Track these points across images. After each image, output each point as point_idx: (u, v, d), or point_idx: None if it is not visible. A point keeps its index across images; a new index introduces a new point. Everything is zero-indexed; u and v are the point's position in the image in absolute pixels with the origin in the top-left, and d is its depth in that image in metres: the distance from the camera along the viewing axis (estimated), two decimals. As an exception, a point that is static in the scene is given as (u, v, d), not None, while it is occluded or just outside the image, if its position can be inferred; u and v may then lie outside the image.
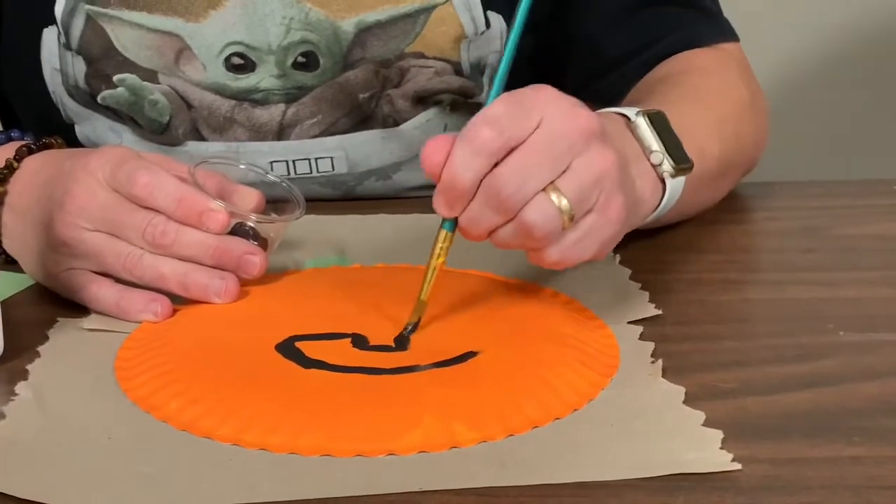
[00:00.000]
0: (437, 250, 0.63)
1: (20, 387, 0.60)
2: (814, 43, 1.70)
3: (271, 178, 0.74)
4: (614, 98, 0.82)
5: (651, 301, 0.70)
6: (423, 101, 0.89)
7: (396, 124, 0.90)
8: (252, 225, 0.69)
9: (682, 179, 0.69)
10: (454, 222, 0.62)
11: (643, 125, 0.68)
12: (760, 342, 0.66)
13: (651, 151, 0.68)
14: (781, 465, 0.52)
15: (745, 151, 0.84)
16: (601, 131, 0.60)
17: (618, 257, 0.76)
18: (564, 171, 0.59)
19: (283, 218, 0.71)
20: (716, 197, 0.83)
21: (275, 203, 0.73)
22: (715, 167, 0.77)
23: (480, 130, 0.59)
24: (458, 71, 0.89)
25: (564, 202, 0.59)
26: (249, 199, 0.70)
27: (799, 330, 0.67)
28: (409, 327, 0.63)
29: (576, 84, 0.91)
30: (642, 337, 0.65)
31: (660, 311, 0.68)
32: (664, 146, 0.68)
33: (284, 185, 0.73)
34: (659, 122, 0.69)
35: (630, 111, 0.69)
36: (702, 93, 0.81)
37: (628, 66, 0.87)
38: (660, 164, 0.68)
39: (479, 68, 0.89)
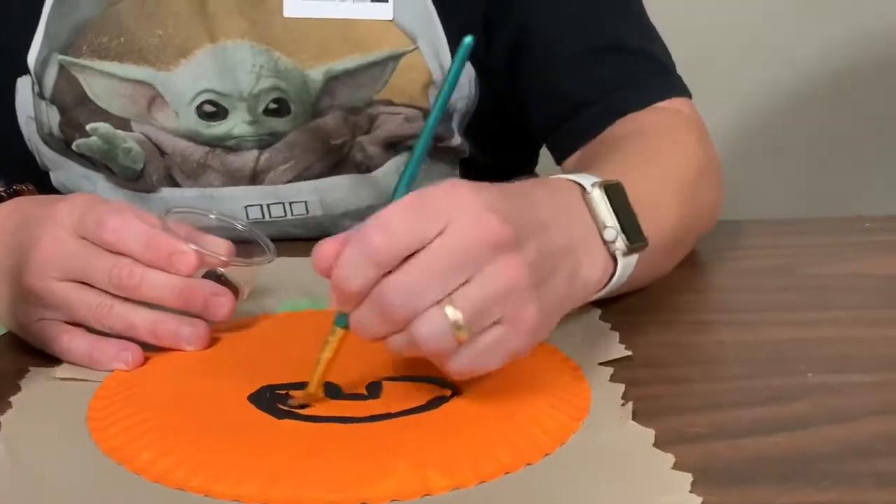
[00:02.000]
0: (328, 345, 0.60)
1: (-8, 439, 0.59)
2: (787, 74, 1.72)
3: (240, 226, 0.74)
4: (573, 144, 0.81)
5: (621, 342, 0.70)
6: (393, 146, 0.90)
7: (369, 170, 0.90)
8: (222, 270, 0.69)
9: (634, 257, 0.66)
10: (347, 318, 0.59)
11: (598, 199, 0.64)
12: (731, 385, 0.67)
13: (605, 227, 0.64)
14: (751, 511, 0.53)
15: (703, 216, 0.82)
16: (511, 239, 0.56)
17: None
18: (466, 283, 0.55)
19: (254, 261, 0.71)
20: (671, 266, 0.80)
21: (245, 251, 0.73)
22: (671, 236, 0.74)
23: (372, 237, 0.55)
24: (427, 117, 0.89)
25: (460, 317, 0.55)
26: (218, 248, 0.70)
27: (770, 372, 0.67)
28: (295, 406, 0.61)
29: (539, 130, 0.91)
30: (613, 379, 0.65)
31: (630, 353, 0.69)
32: (619, 222, 0.64)
33: (254, 232, 0.73)
34: (615, 196, 0.65)
35: (587, 180, 0.65)
36: (660, 157, 0.78)
37: (588, 114, 0.86)
38: (613, 241, 0.64)
39: (448, 114, 0.90)
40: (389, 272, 0.56)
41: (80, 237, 0.67)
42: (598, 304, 0.75)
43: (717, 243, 0.87)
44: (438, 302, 0.55)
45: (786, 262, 0.85)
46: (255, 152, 0.88)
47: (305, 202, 0.90)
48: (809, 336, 0.72)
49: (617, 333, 0.71)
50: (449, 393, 0.62)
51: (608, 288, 0.66)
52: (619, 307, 0.75)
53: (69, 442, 0.59)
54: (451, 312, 0.55)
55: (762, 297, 0.80)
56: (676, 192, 0.76)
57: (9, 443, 0.59)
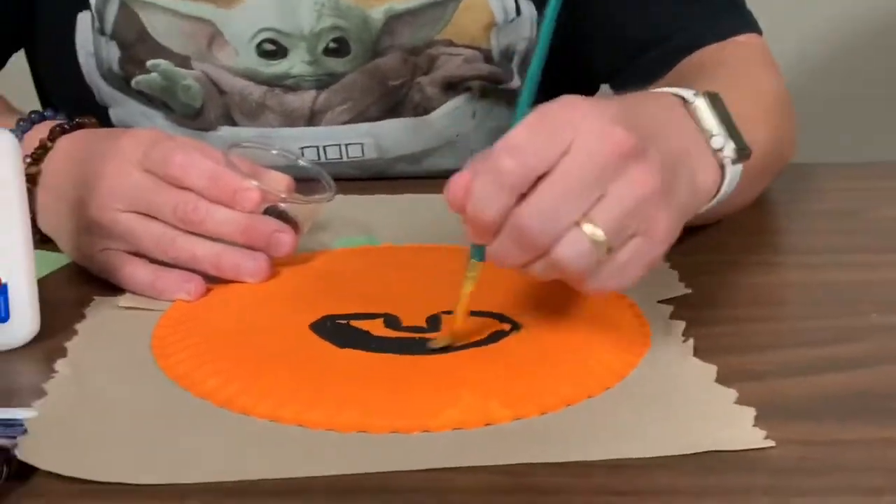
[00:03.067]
0: (468, 279, 0.60)
1: (60, 364, 0.60)
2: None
3: (302, 163, 0.75)
4: (642, 82, 0.80)
5: (681, 281, 0.70)
6: (452, 87, 0.90)
7: (426, 112, 0.90)
8: (284, 207, 0.70)
9: (739, 167, 0.65)
10: (483, 251, 0.58)
11: (703, 107, 0.63)
12: (794, 325, 0.66)
13: (712, 135, 0.63)
14: (814, 447, 0.52)
15: (785, 145, 0.81)
16: (639, 148, 0.55)
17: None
18: (600, 199, 0.54)
19: (315, 199, 0.72)
20: (756, 193, 0.80)
21: (306, 187, 0.73)
22: (762, 157, 0.71)
23: (502, 161, 0.54)
24: (487, 58, 0.89)
25: (600, 234, 0.54)
26: (280, 183, 0.71)
27: (833, 313, 0.67)
28: (438, 348, 0.60)
29: (602, 72, 0.90)
30: (672, 316, 0.65)
31: (690, 291, 0.68)
32: (725, 129, 0.63)
33: (315, 169, 0.74)
34: (717, 104, 0.64)
35: (686, 92, 0.64)
36: (741, 83, 0.77)
37: (656, 53, 0.86)
38: (721, 149, 0.63)
39: (508, 55, 0.90)
40: (523, 198, 0.54)
41: (145, 171, 0.68)
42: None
43: (780, 186, 0.87)
44: (576, 222, 0.54)
45: (851, 206, 0.85)
46: (312, 93, 0.88)
47: (361, 144, 0.90)
48: (873, 278, 0.72)
49: (676, 272, 0.71)
50: (508, 328, 0.62)
51: (717, 198, 0.65)
52: (677, 248, 0.74)
53: (135, 368, 0.60)
54: (591, 230, 0.54)
55: (826, 240, 0.79)
56: (763, 115, 0.75)
57: (76, 368, 0.60)
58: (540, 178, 0.54)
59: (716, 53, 0.84)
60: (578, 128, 0.54)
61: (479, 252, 0.59)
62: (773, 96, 0.80)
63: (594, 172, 0.54)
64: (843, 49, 1.71)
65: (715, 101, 0.64)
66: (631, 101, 0.61)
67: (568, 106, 0.55)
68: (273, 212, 0.69)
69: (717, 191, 0.64)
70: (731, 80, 0.77)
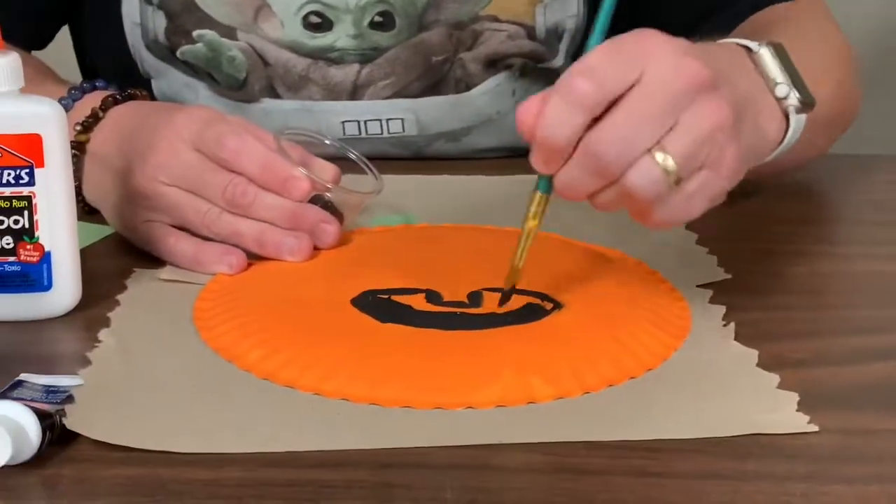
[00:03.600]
0: (531, 213, 0.59)
1: (103, 334, 0.61)
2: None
3: (352, 155, 0.75)
4: None
5: (720, 266, 0.70)
6: (494, 64, 0.90)
7: (468, 88, 0.90)
8: (331, 197, 0.70)
9: (803, 117, 0.65)
10: (549, 184, 0.58)
11: (768, 56, 0.64)
12: (832, 313, 0.66)
13: (776, 84, 0.63)
14: (853, 435, 0.53)
15: (849, 101, 0.81)
16: (712, 80, 0.56)
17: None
18: (671, 128, 0.55)
19: (362, 191, 0.72)
20: (824, 147, 0.79)
21: (354, 179, 0.73)
22: (827, 112, 0.72)
23: (577, 82, 0.54)
24: (531, 35, 0.89)
25: (671, 163, 0.55)
26: (328, 173, 0.71)
27: (871, 302, 0.67)
28: (504, 295, 0.61)
29: (673, 33, 0.90)
30: (711, 301, 0.65)
31: (729, 276, 0.68)
32: (789, 78, 0.64)
33: (365, 162, 0.74)
34: (781, 54, 0.65)
35: (751, 43, 0.65)
36: (807, 39, 0.77)
37: (727, 13, 0.85)
38: (785, 98, 0.64)
39: (556, 33, 0.89)
40: (595, 122, 0.55)
41: (196, 150, 0.68)
42: (694, 228, 0.75)
43: (818, 176, 0.86)
44: (648, 150, 0.55)
45: (888, 198, 0.84)
46: (356, 66, 0.88)
47: (402, 120, 0.90)
48: (910, 270, 0.72)
49: (715, 257, 0.71)
50: (550, 307, 0.63)
51: (781, 147, 0.65)
52: (716, 234, 0.74)
53: (178, 338, 0.61)
54: (662, 158, 0.55)
55: (867, 230, 0.79)
56: (828, 70, 0.76)
57: (119, 337, 0.61)
58: (612, 105, 0.54)
59: (783, 11, 0.84)
60: (652, 57, 0.55)
61: (545, 184, 0.59)
62: (839, 51, 0.80)
63: (667, 101, 0.55)
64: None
65: (780, 51, 0.65)
66: (700, 45, 0.61)
67: (641, 36, 0.56)
68: (319, 201, 0.70)
69: (782, 139, 0.65)
70: (799, 33, 0.77)
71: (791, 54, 0.66)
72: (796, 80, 0.65)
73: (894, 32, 1.69)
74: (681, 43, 0.57)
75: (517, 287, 0.62)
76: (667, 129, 0.55)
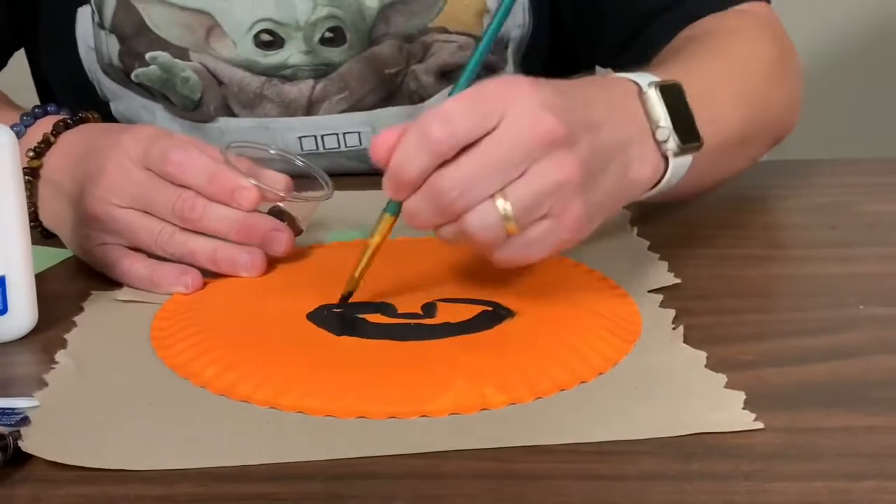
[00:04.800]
0: (377, 231, 0.63)
1: (60, 355, 0.61)
2: (831, 31, 1.70)
3: (299, 162, 0.75)
4: (643, 58, 0.79)
5: (670, 271, 0.71)
6: (446, 75, 0.91)
7: (422, 100, 0.91)
8: (281, 206, 0.71)
9: (687, 159, 0.66)
10: (397, 207, 0.61)
11: (653, 98, 0.65)
12: (781, 316, 0.67)
13: (657, 127, 0.64)
14: (797, 434, 0.53)
15: (775, 115, 0.81)
16: (565, 137, 0.58)
17: (635, 229, 0.77)
18: (518, 177, 0.57)
19: (312, 197, 0.73)
20: (740, 166, 0.80)
21: (303, 186, 0.74)
22: (737, 135, 0.74)
23: (431, 127, 0.57)
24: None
25: (510, 210, 0.57)
26: (278, 182, 0.72)
27: (820, 304, 0.68)
28: (342, 299, 0.64)
29: (607, 50, 0.90)
30: (662, 306, 0.66)
31: (679, 280, 0.69)
32: (672, 122, 0.65)
33: (312, 168, 0.75)
34: (672, 95, 0.65)
35: (644, 80, 0.66)
36: (729, 55, 0.78)
37: (657, 24, 0.85)
38: (665, 141, 0.64)
39: (502, 42, 0.90)
40: (445, 163, 0.57)
41: (145, 168, 0.69)
42: (646, 235, 0.76)
43: (769, 181, 0.87)
44: (491, 195, 0.57)
45: (839, 200, 0.85)
46: (310, 82, 0.89)
47: (359, 133, 0.91)
48: (859, 271, 0.73)
49: (666, 263, 0.72)
50: (502, 315, 0.63)
51: (659, 188, 0.67)
52: (667, 241, 0.75)
53: (135, 358, 0.61)
54: (502, 205, 0.57)
55: (814, 234, 0.80)
56: (741, 92, 0.76)
57: (76, 358, 0.61)
58: (465, 149, 0.57)
59: (714, 23, 0.84)
60: (510, 108, 0.57)
61: (393, 206, 0.62)
62: (764, 66, 0.80)
63: (516, 153, 0.57)
64: (842, 45, 1.71)
65: (669, 91, 0.65)
66: (576, 87, 0.63)
67: (505, 85, 0.58)
68: (271, 211, 0.70)
69: (660, 180, 0.66)
70: (714, 52, 0.78)
71: (698, 77, 0.67)
72: (681, 123, 0.65)
73: (837, 36, 1.71)
74: (545, 93, 0.59)
75: (464, 297, 0.63)
76: (512, 178, 0.57)
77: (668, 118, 0.65)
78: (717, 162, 0.72)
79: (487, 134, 0.57)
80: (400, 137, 0.58)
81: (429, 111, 0.58)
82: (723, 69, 0.76)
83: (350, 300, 0.65)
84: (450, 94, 0.60)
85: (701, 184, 0.74)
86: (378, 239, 0.63)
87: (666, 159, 0.65)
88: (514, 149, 0.57)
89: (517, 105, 0.57)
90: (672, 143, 0.65)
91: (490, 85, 0.58)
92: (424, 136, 0.57)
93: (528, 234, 0.59)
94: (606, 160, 0.61)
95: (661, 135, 0.65)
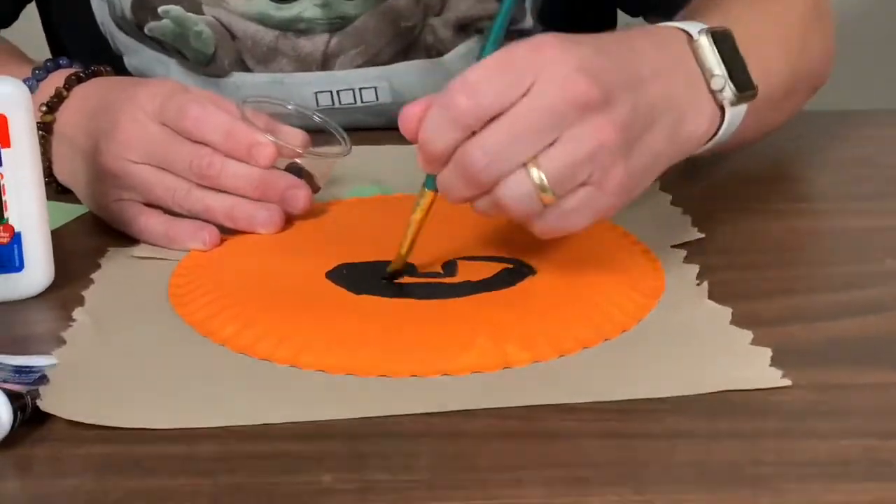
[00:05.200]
0: (418, 207, 0.61)
1: (77, 312, 0.61)
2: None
3: (317, 118, 0.75)
4: (671, 11, 0.77)
5: (694, 226, 0.70)
6: (464, 29, 0.89)
7: (440, 54, 0.90)
8: (299, 162, 0.70)
9: (742, 107, 0.64)
10: (435, 181, 0.59)
11: (706, 45, 0.62)
12: (807, 271, 0.67)
13: (712, 76, 0.62)
14: (825, 391, 0.53)
15: (813, 66, 0.79)
16: (599, 99, 0.55)
17: (658, 183, 0.76)
18: (552, 144, 0.55)
19: (331, 153, 0.72)
20: (781, 119, 0.78)
21: (321, 142, 0.73)
22: (782, 87, 0.72)
23: (457, 98, 0.55)
24: None
25: (544, 179, 0.55)
26: (295, 138, 0.71)
27: (846, 259, 0.67)
28: (390, 278, 0.62)
29: (633, 6, 0.89)
30: (686, 262, 0.65)
31: (703, 235, 0.68)
32: (727, 70, 0.62)
33: (330, 124, 0.74)
34: (723, 43, 0.63)
35: (693, 28, 0.63)
36: (765, 5, 0.76)
37: None
38: (720, 90, 0.62)
39: None
40: (473, 133, 0.55)
41: (161, 123, 0.68)
42: (668, 190, 0.75)
43: (794, 132, 0.86)
44: (524, 164, 0.55)
45: (863, 153, 0.84)
46: (325, 36, 0.88)
47: (375, 88, 0.90)
48: (886, 225, 0.72)
49: (689, 217, 0.71)
50: (524, 272, 0.62)
51: (715, 140, 0.64)
52: (690, 195, 0.74)
53: (153, 315, 0.61)
54: (536, 174, 0.55)
55: (838, 187, 0.79)
56: (784, 41, 0.74)
57: (94, 315, 0.61)
58: (494, 118, 0.55)
59: None
60: (541, 73, 0.54)
61: (431, 181, 0.60)
62: (800, 14, 0.77)
63: (548, 119, 0.54)
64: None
65: (721, 38, 0.63)
66: (619, 40, 0.60)
67: (535, 48, 0.55)
68: (289, 167, 0.70)
69: (717, 131, 0.64)
70: (753, 2, 0.75)
71: (741, 24, 0.65)
72: (736, 71, 0.63)
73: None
74: (580, 53, 0.56)
75: (486, 255, 0.62)
76: (545, 145, 0.55)
77: (723, 66, 0.62)
78: (764, 115, 0.70)
79: (517, 101, 0.54)
80: (426, 110, 0.56)
81: (454, 80, 0.55)
82: (762, 18, 0.73)
83: (369, 259, 0.64)
84: (477, 58, 0.57)
85: (744, 138, 0.71)
86: (420, 215, 0.61)
87: (721, 110, 0.63)
88: (544, 114, 0.54)
89: (549, 69, 0.55)
90: (728, 92, 0.62)
91: (519, 49, 0.56)
92: (450, 108, 0.55)
93: (566, 202, 0.56)
94: (652, 118, 0.58)
95: (716, 84, 0.62)
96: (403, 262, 0.62)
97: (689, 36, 0.63)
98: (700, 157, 0.66)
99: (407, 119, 0.57)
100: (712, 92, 0.62)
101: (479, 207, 0.58)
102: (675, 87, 0.60)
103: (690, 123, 0.61)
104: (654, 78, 0.59)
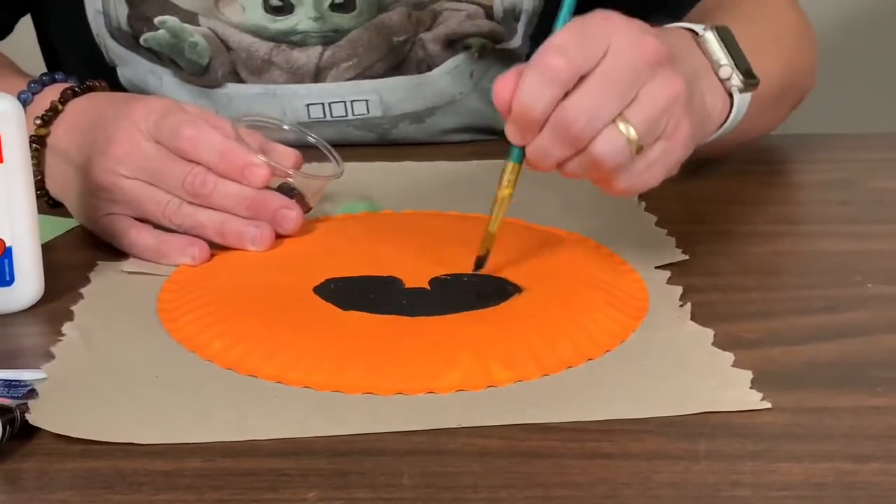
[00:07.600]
0: (505, 182, 0.62)
1: (66, 327, 0.61)
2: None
3: (311, 139, 0.75)
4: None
5: (678, 248, 0.70)
6: (452, 45, 0.90)
7: (429, 69, 0.91)
8: (292, 183, 0.70)
9: (747, 96, 0.70)
10: (521, 153, 0.61)
11: (712, 39, 0.68)
12: (788, 293, 0.67)
13: (720, 65, 0.68)
14: (804, 414, 0.54)
15: (802, 74, 0.85)
16: (669, 57, 0.60)
17: (643, 204, 0.77)
18: (633, 101, 0.59)
19: (323, 175, 0.73)
20: (773, 123, 0.83)
21: (313, 159, 0.74)
22: (776, 87, 0.77)
23: (551, 59, 0.58)
24: (489, 15, 0.89)
25: (633, 132, 0.59)
26: (288, 158, 0.71)
27: (827, 282, 0.68)
28: (479, 260, 0.64)
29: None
30: (669, 283, 0.66)
31: (686, 256, 0.69)
32: (732, 60, 0.68)
33: (324, 145, 0.75)
34: (726, 37, 0.69)
35: (697, 26, 0.69)
36: (757, 16, 0.81)
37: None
38: (728, 78, 0.68)
39: (513, 14, 0.90)
40: (566, 96, 0.58)
41: (155, 141, 0.68)
42: (653, 211, 0.75)
43: (778, 156, 0.87)
44: (613, 121, 0.59)
45: (847, 176, 0.85)
46: (318, 48, 0.88)
47: (366, 101, 0.91)
48: (867, 248, 0.73)
49: (674, 239, 0.72)
50: (510, 290, 0.63)
51: (725, 126, 0.70)
52: (675, 217, 0.75)
53: (141, 330, 0.61)
54: (625, 128, 0.59)
55: (821, 210, 0.80)
56: (777, 47, 0.79)
57: (82, 330, 0.61)
58: (581, 80, 0.58)
59: None
60: (616, 34, 0.59)
61: (518, 154, 0.62)
62: (789, 29, 0.83)
63: (630, 74, 0.59)
64: (854, 13, 1.69)
65: (724, 34, 0.69)
66: (653, 27, 0.65)
67: (603, 16, 0.60)
68: (281, 187, 0.70)
69: (726, 118, 0.69)
70: (748, 14, 0.81)
71: (738, 32, 0.70)
72: (740, 61, 0.69)
73: (856, 11, 1.70)
74: (640, 23, 0.61)
75: (475, 273, 0.63)
76: (629, 101, 0.59)
77: (729, 56, 0.68)
78: (760, 113, 0.75)
79: (599, 62, 0.58)
80: (519, 78, 0.59)
81: (540, 49, 0.59)
82: (757, 27, 0.78)
83: (357, 275, 0.65)
84: (553, 30, 0.61)
85: (742, 134, 0.76)
86: (508, 190, 0.63)
87: (730, 97, 0.68)
88: (627, 72, 0.59)
89: (620, 32, 0.59)
90: (736, 80, 0.68)
91: (590, 19, 0.60)
92: (546, 69, 0.58)
93: (648, 155, 0.60)
94: (693, 84, 0.63)
95: (724, 73, 0.68)
96: (493, 241, 0.64)
97: (694, 33, 0.69)
98: (698, 155, 0.67)
99: (502, 88, 0.59)
100: (721, 81, 0.67)
101: (569, 169, 0.60)
102: (695, 68, 0.66)
103: (710, 100, 0.68)
104: (680, 58, 0.64)
